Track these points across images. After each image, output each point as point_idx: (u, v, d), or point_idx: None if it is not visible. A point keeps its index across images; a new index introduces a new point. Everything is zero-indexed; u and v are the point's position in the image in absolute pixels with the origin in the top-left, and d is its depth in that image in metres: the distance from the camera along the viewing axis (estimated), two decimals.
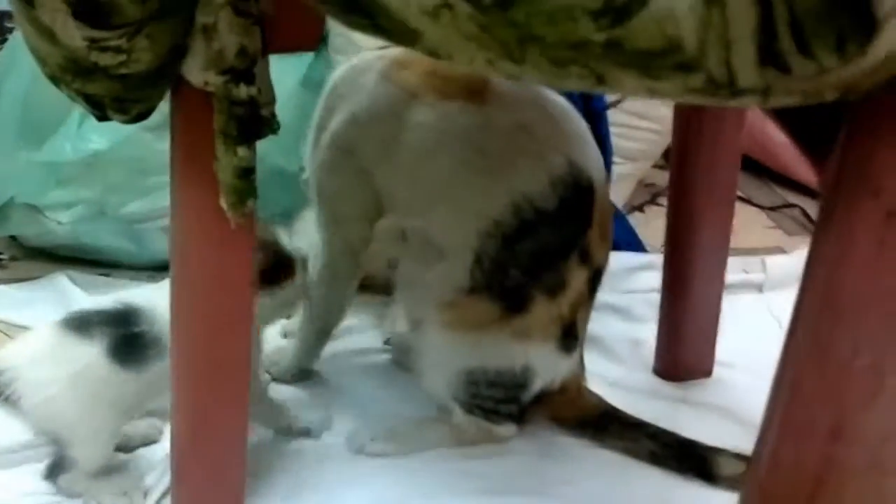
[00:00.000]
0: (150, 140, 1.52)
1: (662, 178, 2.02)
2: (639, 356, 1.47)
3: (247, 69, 0.81)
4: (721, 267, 1.39)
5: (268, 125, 0.84)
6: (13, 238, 1.69)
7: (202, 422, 1.01)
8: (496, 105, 1.16)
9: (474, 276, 1.17)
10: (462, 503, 1.18)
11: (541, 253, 1.17)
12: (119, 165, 1.55)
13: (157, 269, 1.63)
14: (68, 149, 1.53)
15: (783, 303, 1.56)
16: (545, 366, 1.23)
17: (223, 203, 0.86)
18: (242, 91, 0.81)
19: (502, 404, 1.24)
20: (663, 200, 1.95)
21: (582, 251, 1.19)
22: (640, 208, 1.97)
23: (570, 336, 1.23)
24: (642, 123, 1.86)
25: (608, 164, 1.71)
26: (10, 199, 1.57)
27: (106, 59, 0.76)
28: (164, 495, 1.14)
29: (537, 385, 1.24)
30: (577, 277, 1.19)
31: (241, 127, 0.83)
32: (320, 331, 1.38)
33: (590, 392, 1.32)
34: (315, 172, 1.28)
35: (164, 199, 1.58)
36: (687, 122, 1.33)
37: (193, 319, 0.97)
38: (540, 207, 1.14)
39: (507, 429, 1.27)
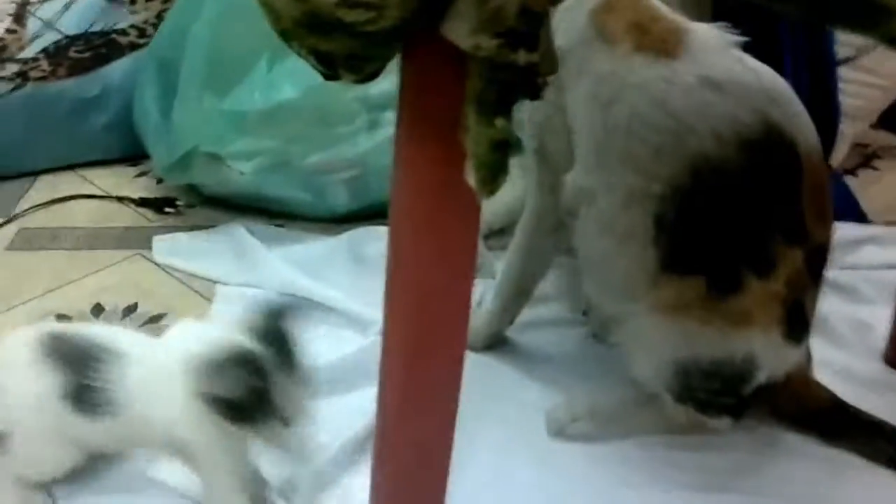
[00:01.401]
0: (336, 89, 1.44)
1: (877, 139, 1.83)
2: (867, 342, 1.31)
3: (529, 31, 0.68)
4: None
5: (534, 93, 0.71)
6: (192, 186, 1.65)
7: (411, 397, 0.92)
8: (688, 60, 1.04)
9: (659, 246, 1.06)
10: (670, 498, 1.08)
11: (736, 224, 1.04)
12: (304, 115, 1.48)
13: (333, 222, 1.58)
14: (255, 98, 1.47)
15: None
16: (770, 356, 1.09)
17: (471, 179, 0.73)
18: (521, 57, 0.68)
19: (719, 396, 1.12)
20: (879, 164, 1.79)
21: (792, 226, 1.05)
22: (853, 172, 1.78)
23: (797, 323, 1.09)
24: (868, 78, 1.67)
25: (835, 123, 1.54)
26: (194, 148, 1.52)
27: (354, 16, 0.66)
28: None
29: (761, 378, 1.10)
30: (790, 255, 1.06)
31: (501, 94, 0.70)
32: (519, 290, 1.28)
33: (818, 384, 1.18)
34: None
35: (346, 151, 1.56)
36: None
37: (407, 296, 0.87)
38: (727, 172, 1.02)
39: (723, 422, 1.14)
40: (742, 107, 1.03)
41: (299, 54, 0.72)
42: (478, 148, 0.71)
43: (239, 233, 1.54)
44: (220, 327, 1.01)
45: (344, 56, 0.71)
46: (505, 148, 0.72)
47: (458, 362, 0.92)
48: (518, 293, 1.28)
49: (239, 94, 1.49)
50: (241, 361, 0.94)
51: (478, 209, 0.84)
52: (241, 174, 1.52)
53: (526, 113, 1.16)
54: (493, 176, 0.73)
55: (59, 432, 1.02)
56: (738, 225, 1.04)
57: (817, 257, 1.09)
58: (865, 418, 1.14)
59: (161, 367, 0.98)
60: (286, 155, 1.51)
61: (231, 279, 1.46)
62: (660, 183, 1.04)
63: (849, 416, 1.15)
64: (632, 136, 1.05)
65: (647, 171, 1.05)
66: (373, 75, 0.74)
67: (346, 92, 1.46)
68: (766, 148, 1.03)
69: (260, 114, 1.47)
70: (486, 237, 1.47)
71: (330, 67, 0.72)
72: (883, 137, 1.84)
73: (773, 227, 1.05)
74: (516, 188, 1.28)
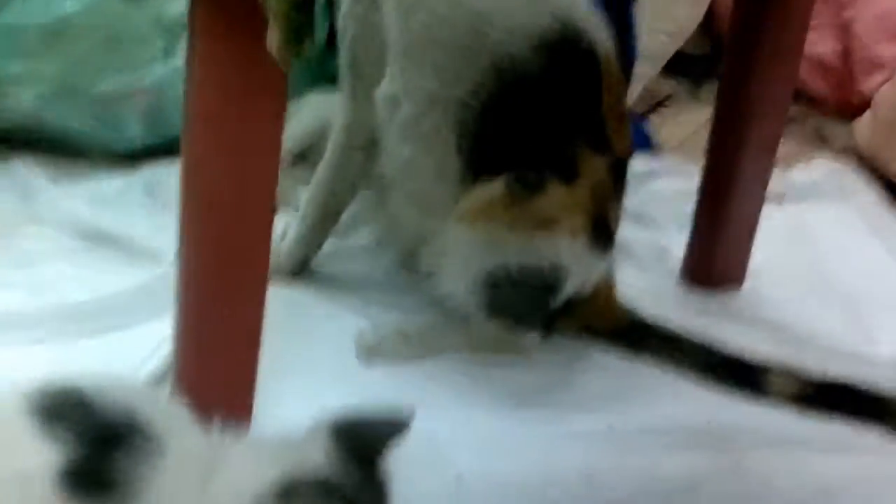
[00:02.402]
0: (123, 8, 1.35)
1: (664, 87, 1.90)
2: (664, 264, 1.37)
3: None
4: (766, 172, 1.29)
5: None
6: None
7: (211, 329, 0.87)
8: None
9: (463, 152, 1.07)
10: (483, 413, 1.07)
11: (536, 126, 1.06)
12: (90, 35, 1.38)
13: (129, 157, 1.48)
14: (33, 10, 1.34)
15: (804, 214, 1.55)
16: (577, 264, 1.10)
17: (273, 43, 0.69)
18: None
19: (528, 311, 1.12)
20: (667, 110, 1.86)
21: (594, 133, 1.08)
22: (643, 115, 1.84)
23: (602, 232, 1.11)
24: (657, 24, 1.73)
25: (631, 59, 1.58)
26: None
27: None
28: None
29: (568, 288, 1.11)
30: (594, 163, 1.08)
31: None
32: (326, 211, 1.24)
33: (621, 302, 1.20)
34: (342, 18, 1.14)
35: (141, 78, 1.47)
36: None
37: (209, 194, 0.82)
38: (525, 72, 1.04)
39: (532, 339, 1.15)
40: (541, 7, 1.04)
41: None
42: (279, 7, 0.67)
43: (18, 168, 1.41)
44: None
45: None
46: (308, 7, 0.69)
47: (262, 284, 0.88)
48: (325, 216, 1.24)
49: (13, 7, 1.36)
50: (321, 493, 0.69)
51: (282, 107, 0.79)
52: (21, 102, 1.39)
53: (340, 29, 1.14)
54: (298, 36, 0.69)
55: None
56: (541, 128, 1.05)
57: (619, 168, 1.11)
58: (666, 333, 1.17)
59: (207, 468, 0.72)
60: (72, 80, 1.40)
61: (7, 214, 1.34)
62: (461, 86, 1.04)
63: (651, 330, 1.18)
64: (432, 40, 1.04)
65: (448, 75, 1.05)
66: None
67: (136, 11, 1.37)
68: (566, 50, 1.04)
69: (40, 30, 1.36)
70: (289, 167, 1.42)
71: None
72: (669, 85, 1.92)
73: (575, 131, 1.06)
74: (316, 110, 1.25)
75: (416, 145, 1.10)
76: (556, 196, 1.06)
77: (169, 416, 0.76)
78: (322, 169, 1.22)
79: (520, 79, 1.04)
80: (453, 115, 1.06)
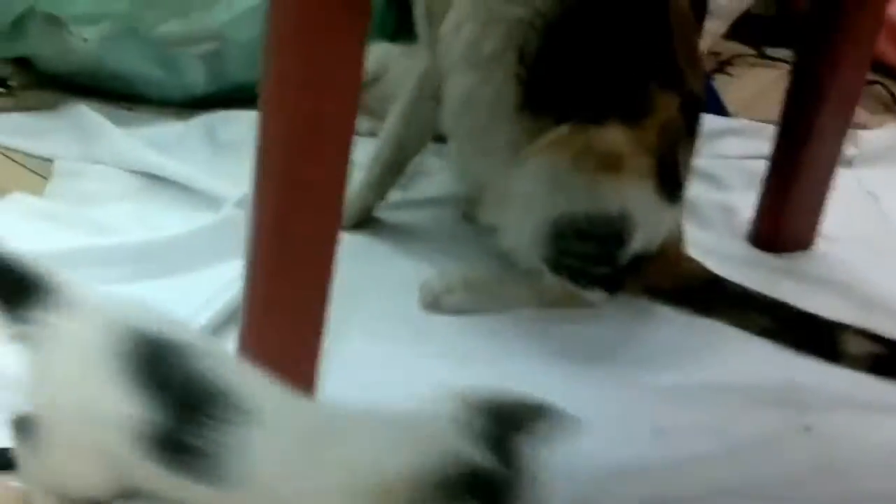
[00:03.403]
0: None
1: (728, 48, 1.86)
2: (731, 225, 1.34)
3: None
4: (842, 135, 1.26)
5: None
6: (24, 64, 1.50)
7: (283, 263, 0.85)
8: None
9: (523, 82, 1.03)
10: (549, 368, 1.05)
11: (601, 56, 1.02)
12: None
13: (187, 106, 1.47)
14: None
15: (876, 178, 1.52)
16: (645, 214, 1.06)
17: None
18: None
19: (594, 264, 1.10)
20: (732, 70, 1.82)
21: (663, 66, 1.04)
22: (709, 76, 1.80)
23: (670, 178, 1.08)
24: None
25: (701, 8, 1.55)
26: (30, 9, 1.36)
27: None
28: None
29: (637, 241, 1.08)
30: (664, 100, 1.04)
31: None
32: (393, 163, 1.22)
33: (690, 259, 1.18)
34: None
35: (205, 21, 1.45)
36: None
37: (286, 129, 0.80)
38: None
39: (598, 295, 1.13)
40: None
41: None
42: None
43: (82, 111, 1.40)
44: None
45: None
46: None
47: (334, 229, 0.86)
48: (393, 165, 1.23)
49: None
50: (471, 486, 0.63)
51: (364, 29, 0.77)
52: (84, 41, 1.38)
53: None
54: None
55: (112, 464, 0.73)
56: (605, 58, 1.02)
57: (692, 108, 1.08)
58: (739, 291, 1.15)
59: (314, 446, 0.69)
60: (135, 20, 1.38)
61: (72, 155, 1.33)
62: (524, 5, 1.01)
63: (722, 290, 1.15)
64: None
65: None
66: None
67: None
68: None
69: None
70: None
71: None
72: (733, 47, 1.88)
73: (643, 63, 1.03)
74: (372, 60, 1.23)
75: (475, 73, 1.06)
76: (622, 133, 1.02)
77: (265, 387, 0.72)
78: (392, 119, 1.21)
79: (584, 3, 1.00)
80: (515, 37, 1.03)
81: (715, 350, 1.10)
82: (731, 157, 1.46)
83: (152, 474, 0.71)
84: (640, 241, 1.08)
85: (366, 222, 1.25)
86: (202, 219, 1.20)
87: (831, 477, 0.95)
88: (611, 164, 1.02)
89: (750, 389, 1.05)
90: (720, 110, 1.59)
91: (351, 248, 1.16)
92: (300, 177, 0.82)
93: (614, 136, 1.02)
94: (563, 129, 1.03)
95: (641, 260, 1.11)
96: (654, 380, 1.05)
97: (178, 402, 0.69)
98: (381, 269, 1.18)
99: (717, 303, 1.14)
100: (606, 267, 1.10)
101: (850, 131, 1.53)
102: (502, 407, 0.67)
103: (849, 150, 1.54)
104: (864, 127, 1.67)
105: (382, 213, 1.27)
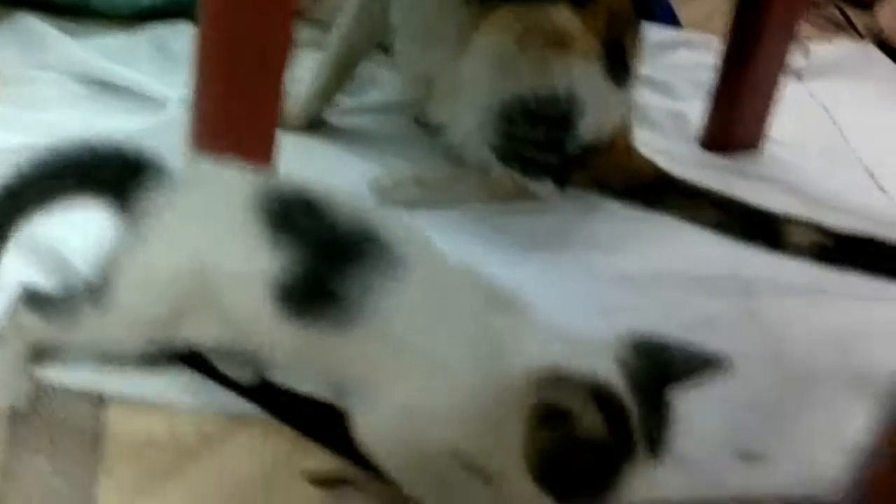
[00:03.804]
0: None
1: None
2: (682, 130, 1.34)
3: None
4: (786, 42, 1.27)
5: None
6: None
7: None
8: None
9: None
10: (499, 256, 1.04)
11: None
12: None
13: (135, 17, 1.44)
14: None
15: (825, 89, 1.53)
16: (592, 95, 1.06)
17: None
18: None
19: (543, 151, 1.09)
20: None
21: None
22: None
23: (617, 63, 1.08)
24: None
25: None
26: None
27: None
28: None
29: (586, 127, 1.08)
30: None
31: None
32: (344, 63, 1.21)
33: (641, 154, 1.18)
34: None
35: None
36: None
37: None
38: None
39: (548, 187, 1.13)
40: None
41: None
42: None
43: (29, 22, 1.37)
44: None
45: None
46: None
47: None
48: (344, 65, 1.21)
49: None
50: (602, 404, 0.63)
51: None
52: None
53: None
54: None
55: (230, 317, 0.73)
56: None
57: None
58: (687, 186, 1.16)
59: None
60: None
61: (21, 63, 1.31)
62: None
63: (671, 185, 1.16)
64: None
65: None
66: None
67: None
68: None
69: None
70: None
71: None
72: None
73: None
74: None
75: None
76: (569, 13, 1.02)
77: (412, 238, 0.72)
78: (343, 19, 1.20)
79: None
80: None
81: (664, 241, 1.11)
82: (683, 67, 1.46)
83: (275, 327, 0.70)
84: (589, 127, 1.08)
85: (316, 125, 1.24)
86: (149, 120, 1.19)
87: (775, 356, 0.97)
88: (558, 41, 1.02)
89: (697, 278, 1.06)
90: (673, 21, 1.59)
91: (300, 149, 1.17)
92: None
93: (562, 15, 1.02)
94: (510, 10, 1.03)
95: (591, 152, 1.11)
96: (602, 266, 1.05)
97: (322, 247, 0.69)
98: (331, 168, 1.17)
99: (666, 197, 1.15)
100: (555, 155, 1.10)
101: (803, 46, 1.56)
102: (663, 353, 0.67)
103: (800, 63, 1.55)
104: (816, 40, 1.68)
105: (333, 117, 1.26)
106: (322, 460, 0.80)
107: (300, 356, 0.73)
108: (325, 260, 0.69)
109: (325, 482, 0.78)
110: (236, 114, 0.88)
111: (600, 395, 0.62)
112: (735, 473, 0.84)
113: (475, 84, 1.06)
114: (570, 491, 0.63)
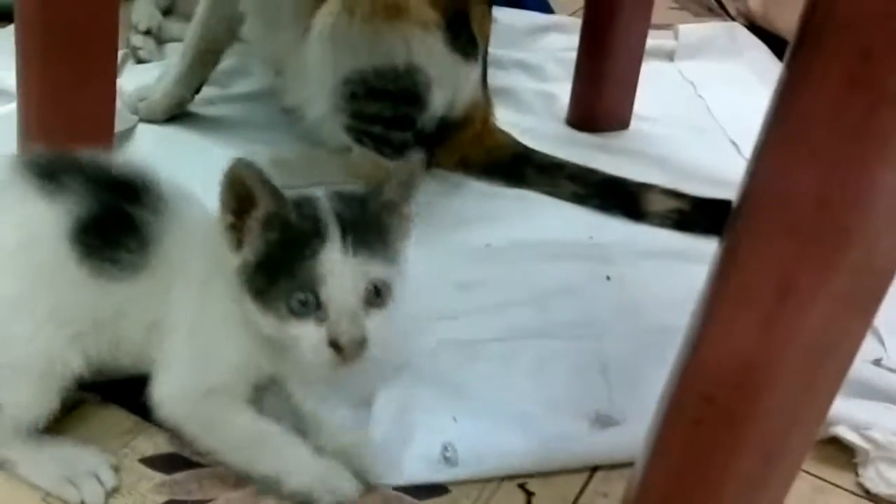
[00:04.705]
0: None
1: None
2: (551, 109, 1.35)
3: None
4: (645, 20, 1.29)
5: None
6: None
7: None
8: None
9: None
10: None
11: None
12: None
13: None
14: None
15: (694, 68, 1.55)
16: (437, 68, 1.06)
17: None
18: None
19: (393, 128, 1.09)
20: None
21: None
22: None
23: (461, 31, 1.07)
24: None
25: None
26: None
27: None
28: None
29: (436, 101, 1.08)
30: None
31: None
32: (202, 52, 1.20)
33: (500, 131, 1.19)
34: None
35: None
36: None
37: None
38: None
39: (408, 164, 1.12)
40: None
41: None
42: None
43: None
44: None
45: None
46: None
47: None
48: (202, 54, 1.20)
49: None
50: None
51: None
52: None
53: None
54: None
55: None
56: None
57: None
58: (548, 161, 1.17)
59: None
60: None
61: None
62: None
63: (532, 159, 1.17)
64: None
65: None
66: None
67: None
68: None
69: None
70: None
71: None
72: None
73: None
74: None
75: None
76: None
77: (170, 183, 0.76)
78: (199, 9, 1.19)
79: None
80: None
81: (525, 215, 1.11)
82: (554, 50, 1.48)
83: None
84: (438, 100, 1.08)
85: (179, 115, 1.22)
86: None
87: (629, 315, 0.98)
88: (391, 11, 1.01)
89: (556, 247, 1.06)
90: (545, 8, 1.61)
91: (160, 138, 1.16)
92: None
93: None
94: None
95: (448, 128, 1.11)
96: (461, 241, 1.05)
97: (105, 191, 0.73)
98: (191, 156, 1.15)
99: (527, 172, 1.16)
100: (406, 132, 1.09)
101: (673, 28, 1.59)
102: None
103: (670, 43, 1.58)
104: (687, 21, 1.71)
105: (197, 108, 1.25)
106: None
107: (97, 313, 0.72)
108: (112, 198, 0.72)
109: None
110: (63, 98, 0.87)
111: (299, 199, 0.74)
112: (589, 438, 0.84)
113: (317, 64, 1.05)
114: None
